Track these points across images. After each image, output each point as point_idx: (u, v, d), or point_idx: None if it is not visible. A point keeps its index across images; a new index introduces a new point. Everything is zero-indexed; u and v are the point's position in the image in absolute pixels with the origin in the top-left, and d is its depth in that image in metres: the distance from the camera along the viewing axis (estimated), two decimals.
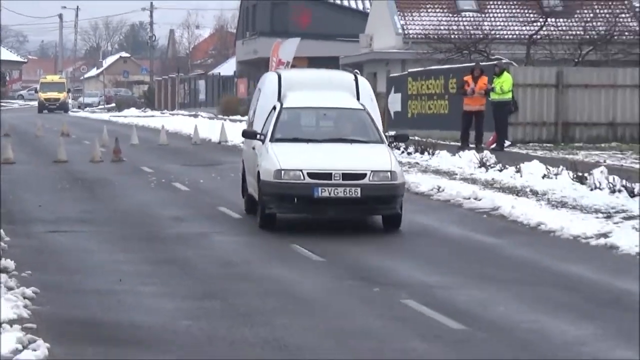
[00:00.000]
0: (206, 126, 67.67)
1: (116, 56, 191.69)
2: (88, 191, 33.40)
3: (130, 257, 21.52)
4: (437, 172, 35.24)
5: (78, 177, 37.53)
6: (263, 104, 25.53)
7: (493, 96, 43.84)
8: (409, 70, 60.81)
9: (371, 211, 22.94)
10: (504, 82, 43.78)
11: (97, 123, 78.85)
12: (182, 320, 16.07)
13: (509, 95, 43.85)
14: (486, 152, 38.81)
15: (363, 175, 22.02)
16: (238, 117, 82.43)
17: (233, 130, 62.66)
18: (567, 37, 61.86)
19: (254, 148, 24.31)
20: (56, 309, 16.30)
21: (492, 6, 70.15)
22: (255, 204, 24.14)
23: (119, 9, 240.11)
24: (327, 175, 21.96)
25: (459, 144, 43.83)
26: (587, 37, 60.78)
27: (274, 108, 24.50)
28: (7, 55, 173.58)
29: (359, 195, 21.80)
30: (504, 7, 69.85)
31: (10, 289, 16.94)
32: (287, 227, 23.74)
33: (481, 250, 22.26)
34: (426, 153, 41.40)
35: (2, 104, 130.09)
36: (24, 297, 16.41)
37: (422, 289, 18.19)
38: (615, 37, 60.88)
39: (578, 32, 61.76)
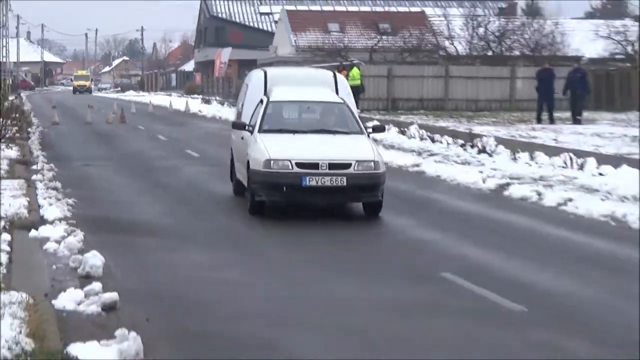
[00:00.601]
0: (177, 101, 67.12)
1: (120, 59, 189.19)
2: (105, 141, 33.00)
3: (133, 181, 21.35)
4: None
5: (99, 133, 37.09)
6: (251, 97, 18.42)
7: (349, 82, 44.09)
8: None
9: (355, 198, 16.02)
10: (354, 73, 43.89)
11: (110, 100, 77.84)
12: (166, 218, 16.02)
13: (359, 82, 43.76)
14: None
15: (348, 165, 15.44)
16: (195, 95, 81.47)
17: (193, 104, 62.38)
18: (394, 47, 61.78)
19: (242, 138, 17.45)
20: (88, 212, 16.11)
21: (349, 28, 69.53)
22: (243, 188, 17.47)
23: (123, 30, 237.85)
24: (315, 165, 15.36)
25: None
26: (406, 47, 60.81)
27: (261, 101, 17.61)
28: (53, 58, 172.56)
29: (344, 184, 15.29)
30: (356, 28, 69.27)
31: (58, 199, 16.75)
32: None
33: None
34: None
35: (49, 88, 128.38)
36: (67, 204, 16.22)
37: None
38: (422, 47, 60.97)
39: (400, 44, 61.72)
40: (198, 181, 21.23)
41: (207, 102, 65.76)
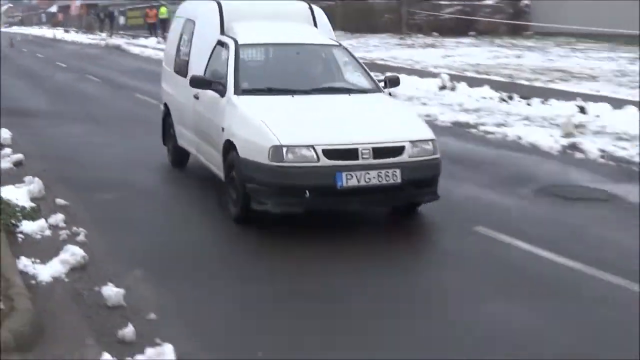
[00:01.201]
0: (47, 32, 62.98)
1: (6, 6, 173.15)
2: (8, 61, 30.55)
3: (24, 83, 19.61)
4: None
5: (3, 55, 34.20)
6: (200, 39, 7.55)
7: (160, 16, 42.54)
8: (127, 7, 57.81)
9: (410, 198, 5.73)
10: (163, 10, 42.02)
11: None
12: (49, 106, 15.00)
13: (167, 16, 41.81)
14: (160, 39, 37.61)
15: (400, 150, 5.53)
16: (59, 28, 74.96)
17: (58, 33, 57.99)
18: None
19: (197, 97, 7.19)
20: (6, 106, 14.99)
21: None
22: (186, 156, 8.41)
23: None
24: (353, 153, 5.34)
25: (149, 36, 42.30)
26: None
27: (222, 44, 7.09)
28: None
29: (397, 179, 5.45)
30: None
31: None
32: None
33: None
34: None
35: None
36: None
37: None
38: None
39: None
40: (68, 82, 20.09)
41: (67, 32, 62.88)
